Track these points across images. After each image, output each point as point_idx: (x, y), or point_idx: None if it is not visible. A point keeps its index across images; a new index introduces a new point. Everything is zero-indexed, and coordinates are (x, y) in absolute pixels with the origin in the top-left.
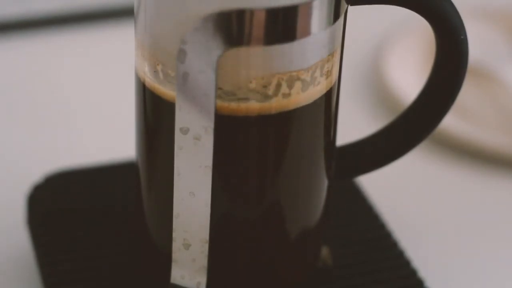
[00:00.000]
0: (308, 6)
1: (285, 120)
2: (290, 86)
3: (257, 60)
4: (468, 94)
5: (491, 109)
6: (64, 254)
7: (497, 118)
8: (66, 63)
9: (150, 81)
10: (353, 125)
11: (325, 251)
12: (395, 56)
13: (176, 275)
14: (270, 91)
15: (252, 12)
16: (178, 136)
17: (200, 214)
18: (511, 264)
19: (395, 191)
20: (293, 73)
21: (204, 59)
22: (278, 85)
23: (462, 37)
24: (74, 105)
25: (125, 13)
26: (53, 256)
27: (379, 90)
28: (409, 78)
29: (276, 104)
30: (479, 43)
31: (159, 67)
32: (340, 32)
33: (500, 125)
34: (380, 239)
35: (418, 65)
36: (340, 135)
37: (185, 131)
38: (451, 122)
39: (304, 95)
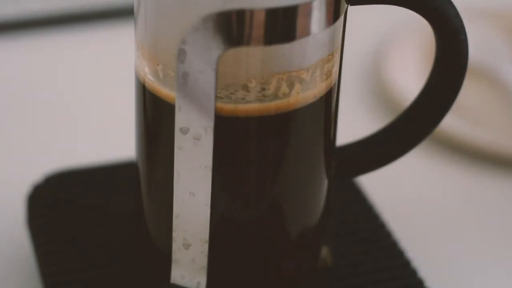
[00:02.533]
0: (308, 6)
1: (285, 120)
2: (290, 86)
3: (257, 60)
4: (468, 93)
5: (491, 108)
6: (64, 254)
7: (497, 117)
8: (66, 63)
9: (150, 81)
10: (353, 125)
11: (325, 251)
12: (395, 56)
13: (176, 275)
14: (270, 91)
15: (252, 12)
16: (178, 136)
17: (200, 214)
18: (511, 264)
19: (395, 191)
20: (293, 73)
21: (204, 59)
22: (278, 85)
23: (462, 37)
24: (74, 105)
25: (125, 13)
26: (53, 256)
27: (380, 90)
28: (409, 78)
29: (276, 104)
30: (479, 43)
31: (159, 67)
32: (340, 32)
33: (500, 124)
34: (380, 239)
35: (418, 64)
36: (340, 135)
37: (185, 131)
38: (451, 122)
39: (304, 95)
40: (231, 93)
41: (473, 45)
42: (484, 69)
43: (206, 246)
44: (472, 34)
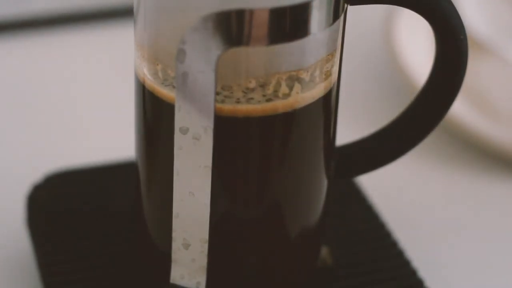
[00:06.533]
0: (308, 6)
1: (284, 120)
2: (289, 86)
3: (257, 60)
4: (478, 74)
5: (501, 92)
6: (64, 254)
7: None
8: (66, 63)
9: (150, 81)
10: (353, 124)
11: (325, 251)
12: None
13: (175, 275)
14: (270, 91)
15: (251, 12)
16: (177, 136)
17: (200, 214)
18: (511, 264)
19: (395, 191)
20: (292, 73)
21: (203, 59)
22: (278, 85)
23: (462, 37)
24: (74, 105)
25: (125, 13)
26: (53, 256)
27: (381, 89)
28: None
29: (276, 104)
30: (492, 19)
31: (158, 67)
32: (340, 32)
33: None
34: (380, 239)
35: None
36: (340, 135)
37: (184, 131)
38: (456, 114)
39: (304, 95)
40: (231, 93)
41: (485, 21)
42: (495, 46)
43: (206, 246)
44: (485, 9)
